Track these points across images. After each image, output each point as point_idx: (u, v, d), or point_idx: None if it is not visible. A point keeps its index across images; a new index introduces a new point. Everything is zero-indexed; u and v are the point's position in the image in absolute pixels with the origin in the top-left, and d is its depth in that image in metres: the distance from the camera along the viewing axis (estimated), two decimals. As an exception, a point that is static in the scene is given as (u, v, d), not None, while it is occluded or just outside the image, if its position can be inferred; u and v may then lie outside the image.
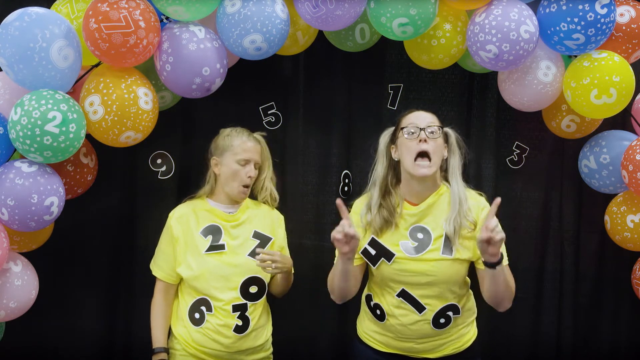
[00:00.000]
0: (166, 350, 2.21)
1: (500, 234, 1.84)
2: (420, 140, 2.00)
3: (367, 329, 2.20)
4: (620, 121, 2.60)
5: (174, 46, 2.15)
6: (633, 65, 2.31)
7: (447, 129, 2.11)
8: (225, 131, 2.28)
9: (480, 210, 2.06)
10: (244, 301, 2.17)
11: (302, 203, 2.70)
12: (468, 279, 2.16)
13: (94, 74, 2.20)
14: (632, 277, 2.58)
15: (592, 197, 2.65)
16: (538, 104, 2.40)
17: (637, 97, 2.47)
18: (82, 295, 2.60)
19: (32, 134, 2.00)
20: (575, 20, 2.15)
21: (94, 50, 2.08)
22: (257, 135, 2.31)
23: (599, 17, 2.14)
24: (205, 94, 2.28)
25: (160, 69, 2.21)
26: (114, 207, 2.60)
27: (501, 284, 1.96)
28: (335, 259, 2.07)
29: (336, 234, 1.92)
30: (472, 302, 2.19)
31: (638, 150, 2.31)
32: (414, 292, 2.04)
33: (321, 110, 2.67)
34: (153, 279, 2.29)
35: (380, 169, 2.13)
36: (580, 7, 2.15)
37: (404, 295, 2.05)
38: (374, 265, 2.06)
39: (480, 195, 2.14)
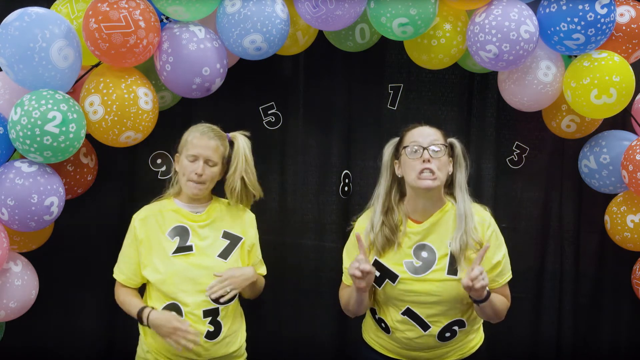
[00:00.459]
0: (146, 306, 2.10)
1: (480, 283, 1.82)
2: (424, 160, 1.93)
3: (373, 334, 2.17)
4: (620, 121, 2.60)
5: (174, 46, 2.15)
6: (633, 65, 2.31)
7: (451, 140, 2.03)
8: (190, 127, 2.15)
9: (486, 229, 1.99)
10: (215, 305, 2.06)
11: (302, 203, 2.70)
12: None
13: (94, 74, 2.20)
14: (632, 277, 2.58)
15: (592, 197, 2.65)
16: (538, 104, 2.40)
17: (637, 97, 2.47)
18: (82, 295, 2.60)
19: (32, 134, 2.00)
20: (575, 20, 2.15)
21: (94, 50, 2.08)
22: (237, 133, 2.17)
23: (599, 17, 2.14)
24: (205, 94, 2.28)
25: (160, 69, 2.21)
26: (114, 207, 2.60)
27: (488, 313, 1.96)
28: (347, 284, 2.06)
29: (354, 270, 1.88)
30: None
31: (638, 150, 2.31)
32: (419, 311, 2.00)
33: (321, 110, 2.67)
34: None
35: (383, 183, 2.06)
36: (580, 7, 2.15)
37: (409, 313, 2.01)
38: (379, 287, 2.01)
39: (485, 209, 2.06)
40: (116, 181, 2.57)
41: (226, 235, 2.13)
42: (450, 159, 2.01)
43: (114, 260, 2.18)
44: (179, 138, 2.15)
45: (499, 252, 2.00)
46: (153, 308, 2.06)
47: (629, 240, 2.47)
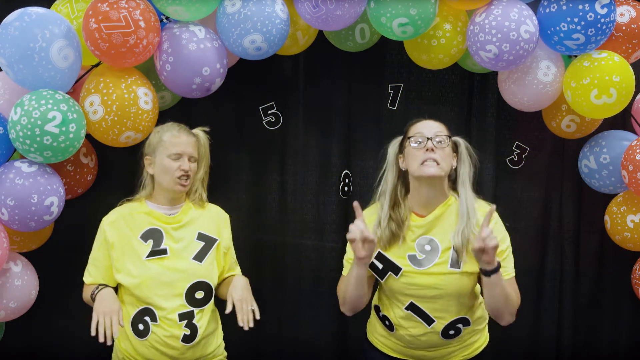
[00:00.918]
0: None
1: (492, 241, 1.81)
2: (427, 150, 1.94)
3: (377, 334, 2.17)
4: (620, 121, 2.61)
5: (174, 46, 2.15)
6: (633, 65, 2.31)
7: (455, 138, 2.04)
8: (156, 128, 2.12)
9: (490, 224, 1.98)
10: (190, 308, 2.02)
11: (302, 203, 2.70)
12: (478, 287, 2.10)
13: (94, 74, 2.20)
14: (632, 277, 2.58)
15: (592, 197, 2.65)
16: (538, 104, 2.40)
17: (637, 97, 2.47)
18: (82, 295, 2.60)
19: (32, 134, 2.00)
20: (575, 20, 2.15)
21: (94, 50, 2.08)
22: (198, 130, 2.15)
23: (599, 17, 2.14)
24: (205, 94, 2.28)
25: (160, 69, 2.21)
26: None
27: (498, 294, 1.91)
28: (348, 268, 2.03)
29: (352, 234, 1.87)
30: (482, 310, 2.13)
31: (638, 150, 2.31)
32: (423, 306, 2.00)
33: (321, 110, 2.67)
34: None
35: (390, 179, 2.05)
36: (580, 7, 2.15)
37: (412, 308, 2.01)
38: (381, 279, 2.02)
39: (490, 205, 2.03)
40: (116, 181, 2.57)
41: (201, 236, 2.09)
42: (454, 154, 2.02)
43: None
44: (144, 141, 2.12)
45: (502, 243, 1.98)
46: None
47: (629, 240, 2.47)
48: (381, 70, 2.67)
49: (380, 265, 2.00)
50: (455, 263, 1.96)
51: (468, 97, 2.69)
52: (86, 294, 2.10)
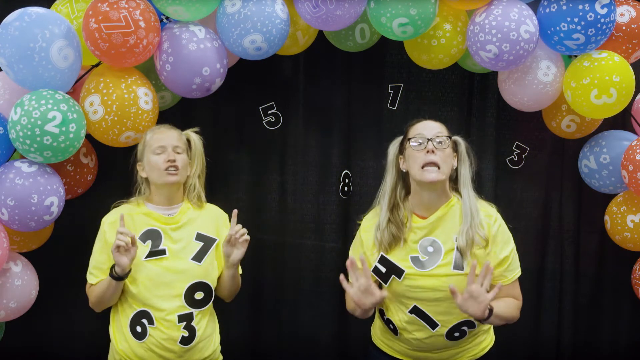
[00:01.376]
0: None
1: (481, 305, 1.81)
2: (427, 151, 1.92)
3: (382, 336, 2.16)
4: (620, 121, 2.61)
5: (174, 46, 2.15)
6: (633, 65, 2.31)
7: (456, 138, 2.02)
8: (143, 135, 2.13)
9: (493, 224, 1.97)
10: (190, 310, 2.02)
11: (302, 203, 2.70)
12: None
13: (94, 74, 2.20)
14: (632, 277, 2.58)
15: (592, 197, 2.66)
16: (538, 104, 2.40)
17: (637, 97, 2.47)
18: (82, 295, 2.59)
19: (32, 134, 2.00)
20: (575, 20, 2.15)
21: (94, 50, 2.08)
22: (188, 131, 2.15)
23: (599, 17, 2.14)
24: (205, 94, 2.28)
25: (160, 69, 2.21)
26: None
27: (497, 322, 1.94)
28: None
29: (357, 297, 1.88)
30: None
31: (638, 150, 2.31)
32: (427, 309, 1.98)
33: (321, 110, 2.67)
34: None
35: (389, 180, 2.04)
36: (580, 7, 2.15)
37: (416, 312, 1.99)
38: (385, 283, 2.00)
39: (492, 206, 2.05)
40: (116, 181, 2.57)
41: (199, 237, 2.08)
42: (455, 154, 2.01)
43: (113, 260, 2.17)
44: (135, 150, 2.13)
45: (506, 247, 1.98)
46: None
47: (629, 240, 2.47)
48: (381, 70, 2.67)
49: (383, 269, 1.99)
50: (459, 265, 1.94)
51: (468, 97, 2.69)
52: (96, 292, 2.07)
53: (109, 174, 2.52)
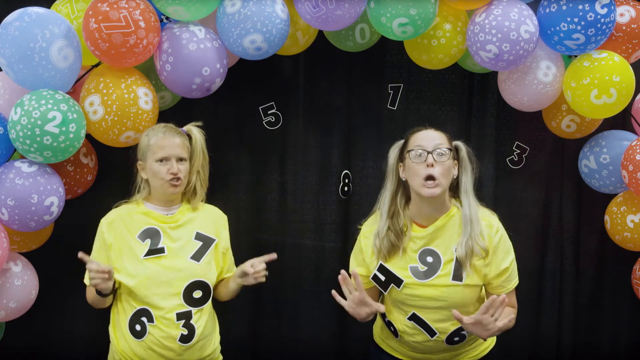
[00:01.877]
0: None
1: (487, 332, 1.81)
2: (428, 165, 1.89)
3: (383, 336, 2.16)
4: (620, 121, 2.61)
5: (174, 46, 2.15)
6: (633, 65, 2.31)
7: (456, 143, 1.99)
8: (146, 131, 2.10)
9: (494, 234, 1.95)
10: (188, 308, 2.02)
11: (302, 203, 2.70)
12: (484, 292, 2.07)
13: (94, 74, 2.20)
14: (632, 277, 2.58)
15: (592, 197, 2.66)
16: (538, 104, 2.40)
17: (637, 97, 2.47)
18: (82, 295, 2.59)
19: (32, 134, 2.00)
20: (575, 20, 2.15)
21: (94, 50, 2.08)
22: (191, 125, 2.13)
23: (599, 17, 2.14)
24: (205, 94, 2.28)
25: (160, 69, 2.21)
26: (114, 208, 2.60)
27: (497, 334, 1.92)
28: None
29: (352, 309, 1.90)
30: None
31: (638, 150, 2.31)
32: (425, 316, 1.98)
33: (321, 110, 2.67)
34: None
35: (389, 187, 2.02)
36: (580, 7, 2.15)
37: (415, 319, 1.99)
38: (384, 291, 2.00)
39: (493, 214, 2.02)
40: (116, 181, 2.57)
41: (199, 236, 2.08)
42: (455, 161, 1.98)
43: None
44: (135, 147, 2.11)
45: (507, 257, 1.96)
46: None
47: (629, 240, 2.47)
48: (381, 70, 2.67)
49: (382, 278, 1.99)
50: (458, 275, 1.93)
51: (468, 97, 2.69)
52: (91, 295, 2.08)
53: (108, 174, 2.52)
